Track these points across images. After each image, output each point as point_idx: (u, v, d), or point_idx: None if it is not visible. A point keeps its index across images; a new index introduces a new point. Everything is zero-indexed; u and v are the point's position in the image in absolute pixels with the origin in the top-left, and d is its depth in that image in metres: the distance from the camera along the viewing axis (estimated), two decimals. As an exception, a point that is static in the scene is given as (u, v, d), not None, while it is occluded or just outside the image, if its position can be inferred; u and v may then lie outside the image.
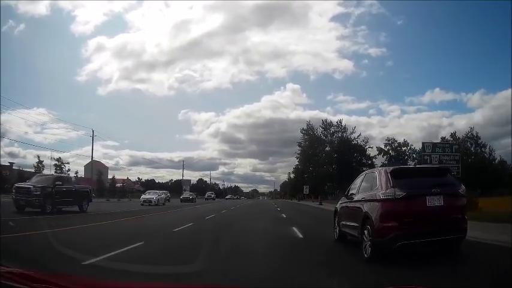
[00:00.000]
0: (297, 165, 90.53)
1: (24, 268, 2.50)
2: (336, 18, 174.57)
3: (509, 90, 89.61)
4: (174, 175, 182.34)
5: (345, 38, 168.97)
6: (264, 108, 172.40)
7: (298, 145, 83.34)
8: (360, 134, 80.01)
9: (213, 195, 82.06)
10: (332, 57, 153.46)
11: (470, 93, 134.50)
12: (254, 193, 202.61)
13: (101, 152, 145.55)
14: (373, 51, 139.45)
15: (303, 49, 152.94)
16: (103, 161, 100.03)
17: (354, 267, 7.19)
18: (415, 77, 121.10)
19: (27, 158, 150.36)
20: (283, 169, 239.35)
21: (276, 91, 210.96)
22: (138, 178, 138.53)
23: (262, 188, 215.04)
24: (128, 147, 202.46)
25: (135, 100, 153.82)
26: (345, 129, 79.35)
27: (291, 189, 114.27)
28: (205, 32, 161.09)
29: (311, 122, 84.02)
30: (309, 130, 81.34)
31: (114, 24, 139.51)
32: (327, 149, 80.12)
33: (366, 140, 79.43)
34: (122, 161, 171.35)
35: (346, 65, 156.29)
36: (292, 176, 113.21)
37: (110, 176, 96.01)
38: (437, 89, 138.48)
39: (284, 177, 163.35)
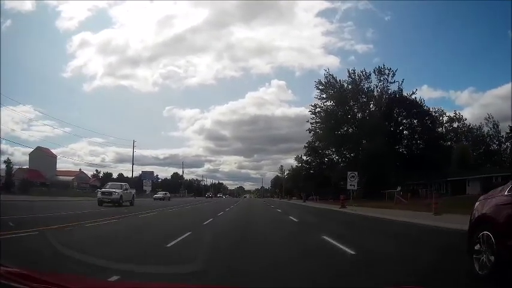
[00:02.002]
0: (309, 142, 57.56)
1: (24, 268, 2.46)
2: (322, 14, 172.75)
3: (499, 88, 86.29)
4: (161, 172, 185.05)
5: (331, 33, 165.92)
6: (248, 105, 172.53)
7: (312, 111, 51.00)
8: (416, 90, 49.15)
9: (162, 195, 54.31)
10: (318, 53, 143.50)
11: (459, 91, 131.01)
12: (240, 190, 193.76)
13: (88, 149, 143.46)
14: (360, 47, 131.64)
15: (288, 45, 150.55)
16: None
17: None
18: (403, 74, 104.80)
19: (15, 155, 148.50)
20: (269, 167, 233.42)
21: (261, 87, 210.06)
22: (96, 171, 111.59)
23: (248, 186, 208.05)
24: (113, 144, 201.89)
25: (119, 97, 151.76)
26: (393, 77, 47.91)
27: (292, 184, 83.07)
28: (189, 28, 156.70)
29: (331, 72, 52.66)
30: (331, 82, 49.53)
31: (99, 20, 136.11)
32: (360, 115, 48.31)
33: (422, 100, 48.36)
34: (108, 157, 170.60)
35: (332, 61, 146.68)
36: (294, 165, 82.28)
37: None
38: (425, 86, 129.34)
39: (270, 175, 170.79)
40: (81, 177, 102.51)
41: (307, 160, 61.45)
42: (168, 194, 57.43)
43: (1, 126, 49.50)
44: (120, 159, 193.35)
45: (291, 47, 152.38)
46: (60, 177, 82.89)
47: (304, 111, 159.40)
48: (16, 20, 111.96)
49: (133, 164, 76.87)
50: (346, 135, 47.55)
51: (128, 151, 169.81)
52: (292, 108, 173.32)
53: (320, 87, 49.83)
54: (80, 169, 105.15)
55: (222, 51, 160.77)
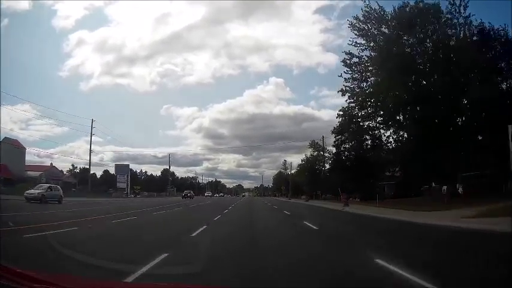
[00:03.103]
0: (344, 111, 37.81)
1: (24, 268, 2.35)
2: (319, 11, 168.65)
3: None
4: (158, 171, 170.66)
5: (329, 31, 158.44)
6: (246, 103, 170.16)
7: (346, 62, 32.42)
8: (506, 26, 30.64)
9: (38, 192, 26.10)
10: (316, 50, 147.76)
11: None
12: (239, 189, 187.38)
13: (86, 148, 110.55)
14: None
15: (285, 42, 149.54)
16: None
17: None
18: None
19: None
20: (268, 165, 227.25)
21: (259, 85, 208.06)
22: (73, 165, 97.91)
23: (247, 184, 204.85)
24: (111, 143, 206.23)
25: (117, 95, 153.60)
26: (465, 9, 28.92)
27: (305, 180, 64.29)
28: (185, 25, 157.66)
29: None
30: (375, 16, 30.90)
31: (95, 18, 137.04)
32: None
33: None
34: (106, 157, 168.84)
35: (331, 58, 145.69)
36: (309, 153, 63.65)
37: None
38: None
39: (269, 173, 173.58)
40: (52, 173, 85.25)
41: (338, 141, 42.41)
42: (58, 191, 29.80)
43: (1, 126, 44.34)
44: (119, 158, 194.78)
45: (288, 45, 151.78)
46: (29, 172, 69.55)
47: (303, 109, 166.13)
48: (13, 19, 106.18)
49: (91, 150, 57.19)
50: (418, 87, 28.28)
51: (127, 150, 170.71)
52: (290, 106, 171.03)
53: (358, 25, 31.13)
54: (51, 163, 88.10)
55: (219, 49, 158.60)
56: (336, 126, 39.85)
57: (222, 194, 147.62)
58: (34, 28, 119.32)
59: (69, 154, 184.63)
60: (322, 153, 53.68)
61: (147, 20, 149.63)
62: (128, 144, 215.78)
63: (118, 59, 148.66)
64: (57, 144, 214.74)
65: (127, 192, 76.34)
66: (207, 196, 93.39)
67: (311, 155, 62.59)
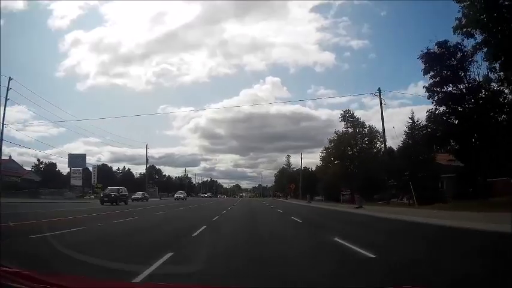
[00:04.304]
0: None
1: (24, 268, 2.36)
2: (316, 9, 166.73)
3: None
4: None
5: (326, 29, 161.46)
6: (243, 102, 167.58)
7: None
8: None
9: None
10: (312, 49, 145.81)
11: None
12: (236, 189, 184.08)
13: (83, 149, 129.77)
14: (355, 43, 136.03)
15: (282, 41, 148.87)
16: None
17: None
18: (399, 69, 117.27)
19: (12, 156, 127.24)
20: (265, 165, 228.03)
21: (255, 85, 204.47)
22: (38, 160, 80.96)
23: (244, 184, 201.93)
24: (109, 143, 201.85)
25: (114, 96, 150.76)
26: None
27: (338, 168, 42.59)
28: (181, 24, 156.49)
29: None
30: None
31: (90, 18, 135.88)
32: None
33: None
34: (103, 157, 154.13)
35: (327, 57, 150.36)
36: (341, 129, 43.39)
37: None
38: (421, 82, 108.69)
39: (267, 173, 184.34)
40: (9, 168, 66.82)
41: (436, 80, 20.99)
42: None
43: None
44: (117, 159, 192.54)
45: (285, 43, 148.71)
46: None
47: (300, 108, 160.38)
48: (8, 20, 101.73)
49: (3, 125, 36.95)
50: None
51: (124, 150, 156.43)
52: (287, 105, 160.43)
53: None
54: (10, 157, 69.76)
55: (215, 48, 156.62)
56: (430, 49, 20.03)
57: (208, 194, 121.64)
58: (30, 28, 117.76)
59: (66, 155, 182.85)
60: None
61: (142, 19, 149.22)
62: (126, 144, 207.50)
63: (114, 59, 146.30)
64: (53, 146, 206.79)
65: (83, 192, 56.79)
66: (178, 198, 57.83)
67: (343, 132, 42.98)
